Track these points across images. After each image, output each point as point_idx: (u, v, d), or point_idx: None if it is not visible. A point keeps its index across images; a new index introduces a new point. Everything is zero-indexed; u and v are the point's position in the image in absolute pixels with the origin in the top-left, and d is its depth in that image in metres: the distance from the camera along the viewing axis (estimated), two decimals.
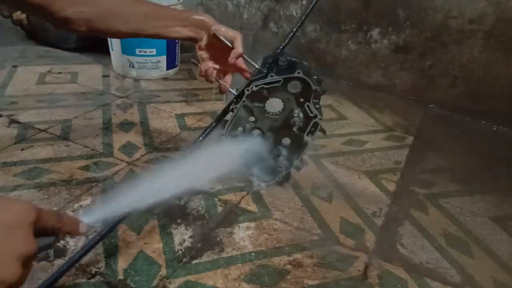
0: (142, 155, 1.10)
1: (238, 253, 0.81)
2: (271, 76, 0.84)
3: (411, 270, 0.82)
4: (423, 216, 0.98)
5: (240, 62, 0.81)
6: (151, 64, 1.58)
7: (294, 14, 1.68)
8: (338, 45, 1.67)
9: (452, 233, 0.94)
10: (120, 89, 1.50)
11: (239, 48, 0.78)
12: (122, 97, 1.43)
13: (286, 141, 0.94)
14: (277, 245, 0.84)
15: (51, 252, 0.76)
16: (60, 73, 1.58)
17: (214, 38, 0.78)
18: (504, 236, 0.95)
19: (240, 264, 0.78)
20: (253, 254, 0.81)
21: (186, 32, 0.76)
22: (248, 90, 0.85)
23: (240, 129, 0.90)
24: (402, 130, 1.40)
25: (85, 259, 0.75)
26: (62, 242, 0.79)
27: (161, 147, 1.15)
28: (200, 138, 0.87)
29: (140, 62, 1.57)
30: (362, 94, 1.64)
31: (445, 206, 1.03)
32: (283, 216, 0.92)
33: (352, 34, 1.63)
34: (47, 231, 0.42)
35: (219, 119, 0.90)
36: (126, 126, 1.24)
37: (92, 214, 0.52)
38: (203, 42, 0.79)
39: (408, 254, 0.86)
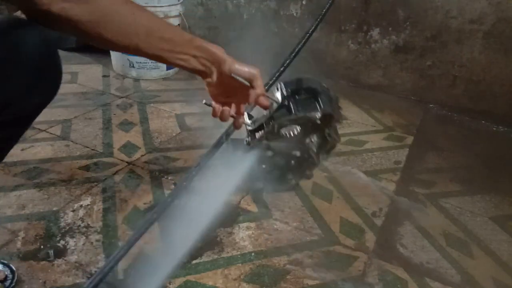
0: (142, 155, 1.10)
1: (238, 253, 0.81)
2: (295, 114, 0.78)
3: (411, 270, 0.82)
4: (423, 216, 0.98)
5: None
6: (151, 64, 1.58)
7: (294, 14, 1.68)
8: (338, 45, 1.67)
9: (452, 233, 0.94)
10: (120, 89, 1.50)
11: (259, 88, 0.68)
12: (122, 97, 1.43)
13: (299, 156, 0.91)
14: (277, 245, 0.84)
15: (51, 252, 0.76)
16: None
17: (228, 76, 0.67)
18: (504, 236, 0.95)
19: (240, 264, 0.78)
20: (253, 254, 0.81)
21: (195, 63, 0.64)
22: (268, 128, 0.79)
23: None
24: (402, 130, 1.40)
25: (85, 259, 0.76)
26: (62, 242, 0.79)
27: (161, 147, 1.15)
28: (197, 167, 0.80)
29: (140, 62, 1.57)
30: (362, 94, 1.64)
31: (445, 206, 1.03)
32: (283, 216, 0.92)
33: (352, 34, 1.63)
34: None
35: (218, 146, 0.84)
36: (126, 126, 1.24)
37: None
38: (214, 79, 0.67)
39: (408, 254, 0.86)
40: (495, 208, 1.04)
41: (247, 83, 0.67)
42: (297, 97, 0.79)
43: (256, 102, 0.72)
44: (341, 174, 1.10)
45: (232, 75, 0.66)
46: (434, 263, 0.84)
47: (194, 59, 0.64)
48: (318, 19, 0.99)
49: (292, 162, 0.91)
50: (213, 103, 0.72)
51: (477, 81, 1.49)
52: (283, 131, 0.83)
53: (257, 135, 0.81)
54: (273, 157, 0.88)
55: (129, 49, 0.61)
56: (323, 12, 1.00)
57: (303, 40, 0.96)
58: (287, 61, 1.01)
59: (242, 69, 0.66)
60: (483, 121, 1.50)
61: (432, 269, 0.83)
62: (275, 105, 0.78)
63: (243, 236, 0.86)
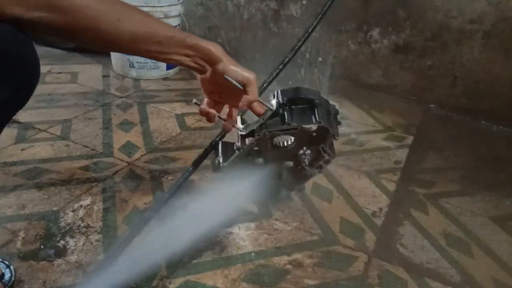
0: (142, 155, 1.10)
1: (238, 253, 0.81)
2: (288, 124, 0.74)
3: (411, 270, 0.82)
4: (423, 216, 0.98)
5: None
6: (151, 64, 1.58)
7: (294, 14, 1.68)
8: (338, 45, 1.67)
9: (452, 233, 0.94)
10: (120, 89, 1.50)
11: (252, 94, 0.66)
12: (122, 97, 1.43)
13: (290, 166, 0.86)
14: (277, 245, 0.84)
15: (51, 252, 0.76)
16: (60, 73, 1.58)
17: (221, 76, 0.65)
18: (504, 236, 0.95)
19: (240, 264, 0.78)
20: (253, 254, 0.81)
21: (187, 62, 0.63)
22: (259, 135, 0.75)
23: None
24: (402, 130, 1.40)
25: (85, 259, 0.76)
26: (62, 242, 0.79)
27: (161, 147, 1.15)
28: (190, 171, 0.82)
29: (140, 62, 1.57)
30: (362, 94, 1.64)
31: (445, 206, 1.03)
32: (283, 216, 0.92)
33: (352, 34, 1.63)
34: None
35: (208, 151, 0.83)
36: (126, 126, 1.24)
37: None
38: (207, 76, 0.66)
39: (408, 254, 0.86)
40: (495, 208, 1.04)
41: (240, 86, 0.65)
42: (293, 106, 0.76)
43: (250, 107, 0.70)
44: (341, 174, 1.10)
45: (225, 76, 0.64)
46: (434, 263, 0.84)
47: (187, 58, 0.62)
48: (318, 18, 0.99)
49: (285, 172, 0.88)
50: (202, 104, 0.70)
51: (477, 81, 1.49)
52: (276, 140, 0.79)
53: (247, 141, 0.77)
54: (265, 166, 0.84)
55: (113, 51, 0.59)
56: (323, 11, 0.99)
57: (302, 39, 0.96)
58: (286, 60, 1.01)
59: (237, 71, 0.64)
60: (483, 121, 1.50)
61: (432, 269, 0.83)
62: (267, 114, 0.75)
63: (243, 236, 0.86)
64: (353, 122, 1.42)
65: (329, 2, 1.03)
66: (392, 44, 1.57)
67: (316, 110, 0.76)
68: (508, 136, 1.44)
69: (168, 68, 1.63)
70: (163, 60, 0.62)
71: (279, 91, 0.77)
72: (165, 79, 1.63)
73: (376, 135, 1.35)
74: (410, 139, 1.34)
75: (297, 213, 0.94)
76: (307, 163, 0.83)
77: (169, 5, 1.54)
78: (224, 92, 0.69)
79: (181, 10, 1.60)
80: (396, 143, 1.31)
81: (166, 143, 1.17)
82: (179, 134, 1.23)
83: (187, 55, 0.62)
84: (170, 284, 0.72)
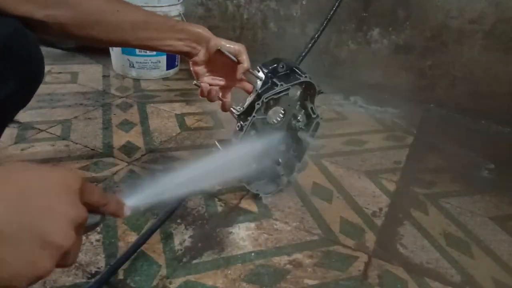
0: (142, 155, 1.10)
1: (238, 253, 0.81)
2: (281, 85, 0.81)
3: (411, 270, 0.82)
4: (423, 216, 0.98)
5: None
6: (151, 64, 1.58)
7: (294, 14, 1.68)
8: (338, 45, 1.67)
9: (452, 233, 0.94)
10: (120, 89, 1.50)
11: (246, 62, 0.74)
12: (122, 97, 1.43)
13: (287, 146, 0.93)
14: (277, 245, 0.84)
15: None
16: (60, 73, 1.58)
17: (215, 53, 0.72)
18: (504, 236, 0.95)
19: (240, 264, 0.78)
20: (253, 254, 0.81)
21: (180, 46, 0.69)
22: (258, 104, 0.80)
23: None
24: (402, 130, 1.40)
25: (85, 259, 0.76)
26: None
27: (161, 147, 1.15)
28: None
29: (140, 62, 1.57)
30: (362, 94, 1.64)
31: (445, 206, 1.03)
32: (283, 216, 0.92)
33: (352, 34, 1.63)
34: (92, 207, 0.38)
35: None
36: (126, 126, 1.24)
37: (133, 198, 0.47)
38: (200, 57, 0.73)
39: (408, 254, 0.86)
40: (495, 208, 1.04)
41: (234, 58, 0.73)
42: (277, 74, 0.83)
43: (241, 84, 0.78)
44: (341, 174, 1.10)
45: (220, 49, 0.71)
46: (434, 263, 0.84)
47: (179, 42, 0.69)
48: (324, 23, 1.01)
49: (280, 159, 0.92)
50: (202, 83, 0.76)
51: (477, 81, 1.49)
52: (269, 119, 0.87)
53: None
54: (263, 154, 0.89)
55: (118, 44, 0.65)
56: (330, 14, 1.02)
57: (310, 44, 0.98)
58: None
59: (228, 44, 0.72)
60: (483, 121, 1.50)
61: (432, 269, 0.83)
62: (259, 84, 0.81)
63: (243, 236, 0.86)
64: (353, 122, 1.42)
65: (336, 4, 1.06)
66: (392, 44, 1.57)
67: (297, 72, 0.84)
68: (508, 136, 1.44)
69: (168, 68, 1.63)
70: (161, 48, 0.68)
71: (261, 65, 0.83)
72: (165, 79, 1.63)
73: (376, 135, 1.35)
74: (410, 139, 1.34)
75: (297, 213, 0.94)
76: (301, 128, 0.90)
77: (169, 5, 1.54)
78: (217, 70, 0.76)
79: (181, 10, 1.60)
80: (396, 143, 1.31)
81: (166, 143, 1.17)
82: (179, 134, 1.23)
83: (179, 39, 0.69)
84: (170, 284, 0.72)
